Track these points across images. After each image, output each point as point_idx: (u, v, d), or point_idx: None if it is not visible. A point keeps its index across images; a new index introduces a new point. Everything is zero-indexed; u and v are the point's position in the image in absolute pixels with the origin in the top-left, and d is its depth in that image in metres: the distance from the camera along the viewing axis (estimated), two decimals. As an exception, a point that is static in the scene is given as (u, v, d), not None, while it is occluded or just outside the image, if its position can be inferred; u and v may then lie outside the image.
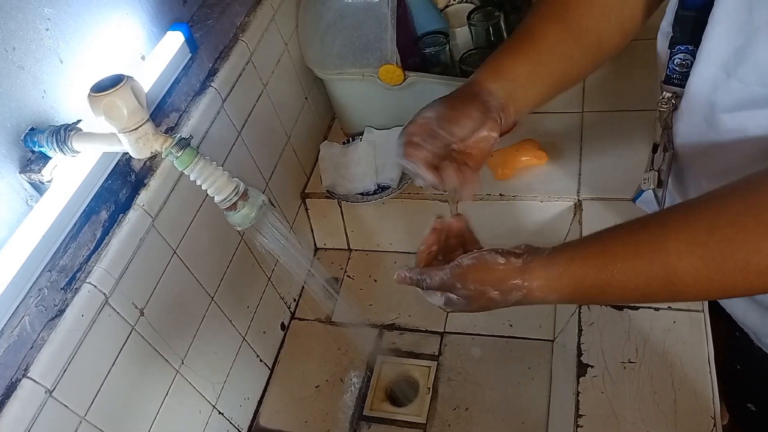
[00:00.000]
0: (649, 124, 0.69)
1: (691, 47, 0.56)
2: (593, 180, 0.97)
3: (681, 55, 0.58)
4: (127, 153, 0.59)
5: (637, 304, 0.50)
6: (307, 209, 1.16)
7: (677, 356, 0.75)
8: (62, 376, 0.62)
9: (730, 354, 0.81)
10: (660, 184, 0.66)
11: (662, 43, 0.60)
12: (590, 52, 0.64)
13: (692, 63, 0.56)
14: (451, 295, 0.56)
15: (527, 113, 0.65)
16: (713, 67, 0.53)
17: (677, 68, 0.59)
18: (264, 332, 1.03)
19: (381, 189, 1.07)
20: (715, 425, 0.69)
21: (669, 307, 0.79)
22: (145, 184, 0.75)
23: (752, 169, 0.46)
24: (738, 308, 0.69)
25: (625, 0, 0.63)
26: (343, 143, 1.16)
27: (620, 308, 0.81)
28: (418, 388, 0.97)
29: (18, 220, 0.62)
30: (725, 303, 0.71)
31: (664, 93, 0.62)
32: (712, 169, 0.61)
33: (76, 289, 0.65)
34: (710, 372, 0.73)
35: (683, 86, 0.59)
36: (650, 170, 0.68)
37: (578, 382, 0.76)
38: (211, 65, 0.89)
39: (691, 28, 0.55)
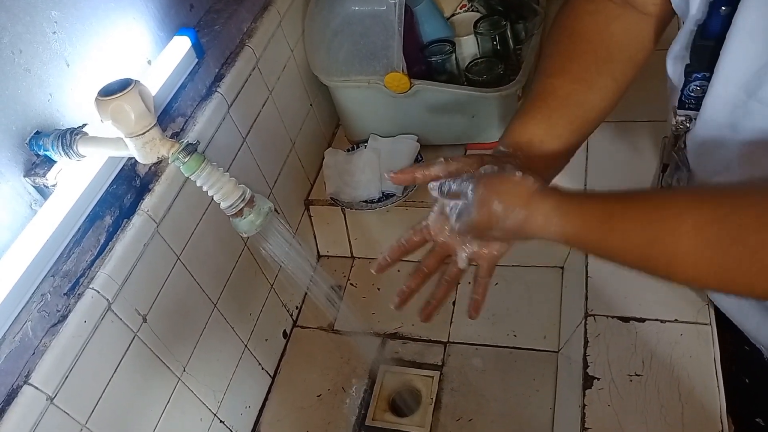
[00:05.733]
0: (656, 134, 0.69)
1: (708, 74, 0.55)
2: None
3: (697, 83, 0.57)
4: (133, 158, 0.59)
5: (633, 267, 0.52)
6: (310, 216, 1.15)
7: (684, 369, 0.74)
8: (64, 382, 0.61)
9: (739, 368, 0.80)
10: None
11: (675, 68, 0.58)
12: (607, 92, 0.64)
13: (708, 88, 0.55)
14: (461, 200, 0.57)
15: (565, 161, 0.66)
16: (733, 88, 0.52)
17: (692, 94, 0.58)
18: (266, 340, 1.02)
19: (385, 197, 1.07)
20: (722, 440, 0.68)
21: (676, 320, 0.79)
22: (150, 190, 0.74)
23: None
24: (751, 324, 0.68)
25: (632, 36, 0.64)
26: (348, 150, 1.15)
27: (626, 320, 0.80)
28: (420, 399, 0.96)
29: (21, 224, 0.62)
30: (737, 319, 0.70)
31: (677, 117, 0.61)
32: None
33: (79, 294, 0.65)
34: (718, 386, 0.72)
35: (697, 109, 0.58)
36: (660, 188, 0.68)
37: (584, 395, 0.75)
38: (217, 70, 0.89)
39: (709, 56, 0.54)
